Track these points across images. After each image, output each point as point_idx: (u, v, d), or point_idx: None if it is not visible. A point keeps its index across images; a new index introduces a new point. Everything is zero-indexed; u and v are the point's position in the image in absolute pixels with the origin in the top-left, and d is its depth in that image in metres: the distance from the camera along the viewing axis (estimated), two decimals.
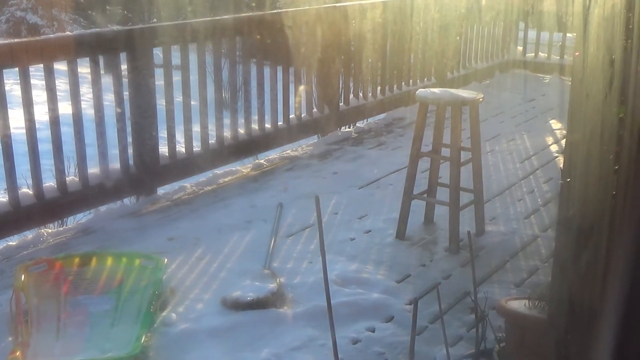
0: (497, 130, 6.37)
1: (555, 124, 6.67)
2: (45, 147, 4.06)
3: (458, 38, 7.74)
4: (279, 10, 6.10)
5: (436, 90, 4.12)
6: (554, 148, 5.93)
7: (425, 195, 4.21)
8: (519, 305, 2.61)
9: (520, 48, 8.99)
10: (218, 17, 5.50)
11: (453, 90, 4.12)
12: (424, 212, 4.29)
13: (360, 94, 6.55)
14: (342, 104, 6.35)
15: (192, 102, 4.83)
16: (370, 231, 4.20)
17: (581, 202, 1.79)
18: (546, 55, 8.70)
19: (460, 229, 3.95)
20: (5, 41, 4.23)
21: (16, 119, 3.96)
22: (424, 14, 7.19)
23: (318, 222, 1.72)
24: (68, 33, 4.34)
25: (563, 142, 5.89)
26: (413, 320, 1.68)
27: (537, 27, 8.97)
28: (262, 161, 5.58)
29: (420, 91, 4.03)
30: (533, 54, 8.83)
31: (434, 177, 4.19)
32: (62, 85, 4.18)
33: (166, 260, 3.57)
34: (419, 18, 7.14)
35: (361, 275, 3.60)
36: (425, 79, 7.39)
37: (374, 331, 3.12)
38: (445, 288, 3.51)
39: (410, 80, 7.19)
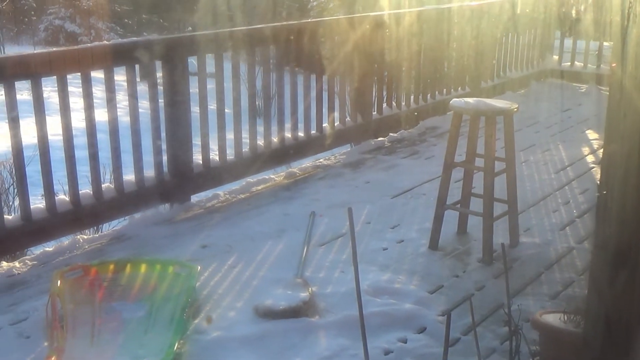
0: (532, 140, 6.31)
1: (591, 134, 6.59)
2: (81, 153, 4.12)
3: (493, 47, 7.69)
4: (313, 19, 6.13)
5: (470, 99, 4.09)
6: (590, 159, 5.85)
7: (459, 205, 4.18)
8: (554, 318, 2.57)
9: (556, 57, 8.89)
10: (252, 27, 5.53)
11: (487, 100, 4.08)
12: (457, 222, 4.26)
13: (394, 103, 6.54)
14: (375, 113, 6.34)
15: (226, 110, 4.86)
16: (402, 241, 4.18)
17: (619, 221, 1.76)
18: (582, 64, 8.60)
19: (494, 240, 3.91)
20: (44, 50, 4.29)
21: (53, 126, 4.02)
22: (459, 22, 7.16)
23: (351, 234, 1.72)
24: (105, 42, 4.40)
25: (599, 152, 5.82)
26: (446, 333, 1.66)
27: (574, 36, 8.88)
28: (295, 170, 5.59)
29: (454, 101, 4.01)
30: (569, 63, 8.74)
31: (467, 187, 4.16)
32: (98, 92, 4.23)
33: (199, 267, 3.60)
34: (454, 26, 7.12)
35: (393, 285, 3.59)
36: (460, 88, 7.35)
37: (406, 342, 3.10)
38: (479, 299, 3.48)
39: (444, 89, 7.16)
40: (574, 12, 8.83)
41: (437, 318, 3.29)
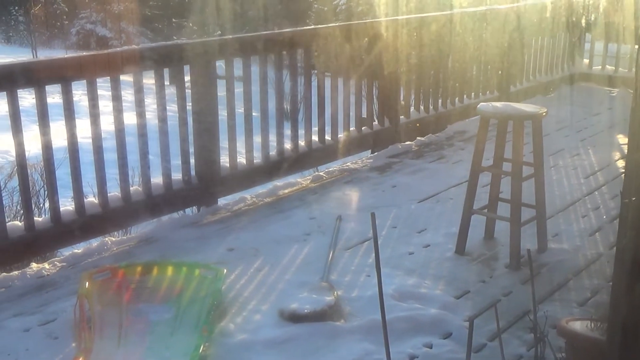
0: (561, 144, 6.25)
1: (622, 139, 6.50)
2: (110, 156, 4.16)
3: (522, 50, 7.63)
4: (341, 24, 6.14)
5: (498, 104, 4.07)
6: (620, 164, 5.77)
7: (486, 210, 4.15)
8: (580, 326, 2.54)
9: (586, 60, 8.80)
10: (280, 31, 5.56)
11: (515, 104, 4.06)
12: (484, 227, 4.23)
13: (422, 107, 6.52)
14: (402, 116, 6.33)
15: (253, 114, 4.88)
16: (429, 245, 4.16)
17: (636, 231, 1.73)
18: (613, 68, 8.50)
19: (522, 245, 3.88)
20: (75, 55, 4.35)
21: (84, 129, 4.07)
22: (487, 26, 7.11)
23: (374, 239, 1.72)
24: (134, 46, 4.44)
25: None
26: (469, 340, 1.65)
27: (604, 39, 8.77)
28: (321, 173, 5.60)
29: (482, 105, 3.98)
30: (600, 67, 8.64)
31: (494, 191, 4.13)
32: (128, 96, 4.28)
33: (225, 270, 3.61)
34: (483, 30, 7.08)
35: (419, 290, 3.57)
36: (488, 92, 7.31)
37: (431, 347, 3.09)
38: (505, 305, 3.45)
39: (473, 93, 7.13)
40: (604, 14, 8.71)
41: (463, 323, 3.26)
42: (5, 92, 3.65)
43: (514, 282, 3.71)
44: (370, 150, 6.48)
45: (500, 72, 7.36)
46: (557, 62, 8.42)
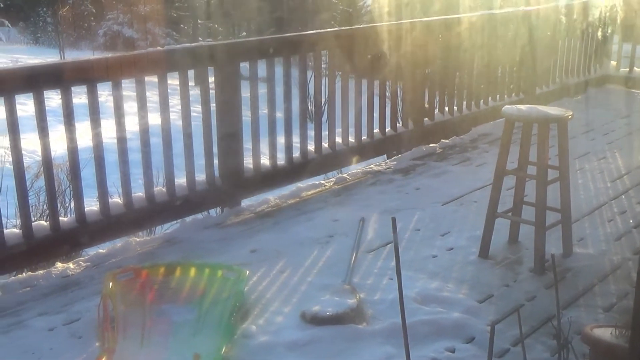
0: (587, 147, 6.18)
1: None
2: (135, 156, 4.19)
3: (549, 52, 7.56)
4: (365, 25, 6.13)
5: (523, 106, 4.03)
6: None
7: (510, 213, 4.12)
8: (604, 333, 2.51)
9: (614, 62, 8.71)
10: (304, 33, 5.56)
11: (540, 107, 4.01)
12: (508, 230, 4.19)
13: (446, 109, 6.49)
14: (426, 119, 6.30)
15: (277, 115, 4.89)
16: (452, 249, 4.14)
17: None
18: None
19: (547, 250, 3.84)
20: (101, 56, 4.39)
21: (108, 129, 4.10)
22: (513, 27, 7.06)
23: (395, 245, 1.71)
24: (159, 48, 4.48)
25: None
26: (490, 345, 1.64)
27: (633, 41, 8.67)
28: (345, 175, 5.59)
29: (507, 107, 3.95)
30: (628, 69, 8.54)
31: (519, 195, 4.09)
32: (152, 96, 4.30)
33: (248, 272, 3.62)
34: (508, 32, 7.03)
35: (442, 293, 3.55)
36: (514, 94, 7.25)
37: (453, 352, 3.06)
38: (529, 310, 3.42)
39: (498, 95, 7.08)
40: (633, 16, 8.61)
41: (486, 328, 3.24)
42: (32, 93, 3.69)
43: (538, 286, 3.68)
44: (394, 153, 6.47)
45: (526, 74, 7.30)
46: (585, 64, 8.34)
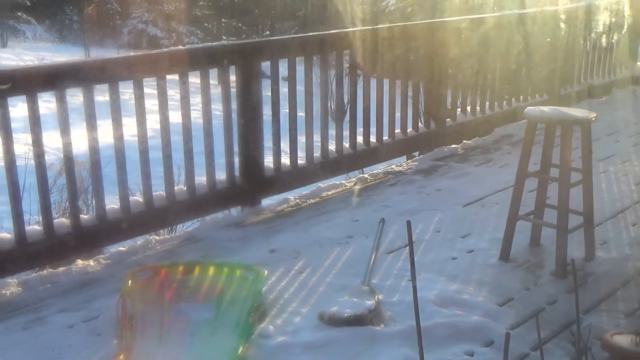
0: (611, 150, 6.10)
1: None
2: (156, 154, 4.21)
3: (573, 53, 7.48)
4: (388, 25, 6.10)
5: (546, 108, 3.98)
6: None
7: (532, 216, 4.07)
8: (624, 340, 2.47)
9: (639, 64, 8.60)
10: (326, 32, 5.55)
11: (563, 109, 3.97)
12: (530, 233, 4.15)
13: (468, 110, 6.44)
14: (448, 119, 6.26)
15: (298, 114, 4.88)
16: (473, 251, 4.10)
17: None
18: None
19: (568, 253, 3.79)
20: (123, 55, 4.41)
21: (130, 127, 4.12)
22: (538, 28, 6.99)
23: (409, 248, 1.69)
24: (180, 47, 4.49)
25: None
26: (505, 352, 1.62)
27: None
28: (366, 175, 5.57)
29: (529, 109, 3.91)
30: None
31: (541, 197, 4.05)
32: (174, 95, 4.31)
33: (266, 272, 3.62)
34: (532, 32, 6.96)
35: (461, 296, 3.52)
36: (537, 95, 7.18)
37: (472, 355, 3.03)
38: (550, 314, 3.38)
39: (521, 96, 7.01)
40: None
41: (505, 332, 3.19)
42: (54, 92, 3.71)
43: (559, 290, 3.63)
44: (416, 153, 6.44)
45: (549, 74, 7.22)
46: (610, 65, 8.24)
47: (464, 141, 6.39)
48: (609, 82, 8.21)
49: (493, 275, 3.80)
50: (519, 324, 3.27)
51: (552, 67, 7.21)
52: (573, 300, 3.45)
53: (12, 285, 3.70)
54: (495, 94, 6.70)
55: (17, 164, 3.69)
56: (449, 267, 3.88)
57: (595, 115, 3.81)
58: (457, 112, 6.34)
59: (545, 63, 7.15)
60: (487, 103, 6.64)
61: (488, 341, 3.13)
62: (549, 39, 7.10)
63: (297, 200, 4.98)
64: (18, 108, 3.65)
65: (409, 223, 1.53)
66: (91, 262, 3.99)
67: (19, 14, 25.21)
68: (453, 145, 6.26)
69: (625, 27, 8.24)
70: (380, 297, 3.45)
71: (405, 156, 6.47)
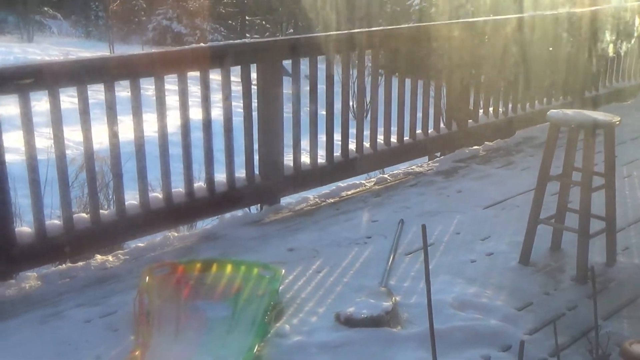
0: (636, 154, 6.02)
1: None
2: (176, 151, 4.21)
3: (598, 56, 7.40)
4: (412, 25, 6.07)
5: (569, 111, 3.94)
6: None
7: (553, 220, 4.02)
8: None
9: None
10: (348, 31, 5.53)
11: (587, 112, 3.91)
12: (550, 237, 4.10)
13: (491, 111, 6.39)
14: (470, 120, 6.21)
15: (319, 113, 4.86)
16: (492, 254, 4.06)
17: None
18: None
19: (590, 258, 3.74)
20: (146, 52, 4.43)
21: (151, 123, 4.13)
22: (562, 29, 6.92)
23: (424, 251, 1.67)
24: (202, 44, 4.49)
25: None
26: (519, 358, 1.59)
27: None
28: (386, 176, 5.55)
29: (552, 112, 3.86)
30: None
31: (563, 201, 4.00)
32: (194, 91, 4.31)
33: (284, 271, 3.61)
34: (557, 34, 6.89)
35: (480, 299, 3.48)
36: (561, 98, 7.11)
37: None
38: (570, 320, 3.33)
39: (545, 99, 6.95)
40: None
41: (523, 336, 3.16)
42: (75, 87, 3.73)
43: (579, 296, 3.59)
44: (437, 154, 6.40)
45: (574, 77, 7.14)
46: (637, 69, 8.13)
47: (485, 143, 6.34)
48: (636, 85, 8.11)
49: (512, 279, 3.76)
50: (537, 329, 3.23)
51: (576, 69, 7.13)
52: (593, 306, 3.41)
53: (31, 279, 3.73)
54: (518, 95, 6.64)
55: (42, 157, 3.72)
56: (468, 269, 3.85)
57: (619, 118, 3.76)
58: (479, 113, 6.29)
59: (570, 65, 7.08)
60: (510, 105, 6.58)
61: (506, 346, 3.09)
62: (573, 41, 7.01)
63: (317, 199, 4.97)
64: (43, 102, 3.68)
65: (423, 227, 1.51)
66: (110, 258, 4.01)
67: (46, 9, 25.46)
68: (474, 147, 6.21)
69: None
70: (397, 298, 3.43)
71: (426, 157, 6.44)
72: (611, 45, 7.56)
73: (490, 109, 6.38)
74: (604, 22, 7.33)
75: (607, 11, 7.48)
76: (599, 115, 3.85)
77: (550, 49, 6.80)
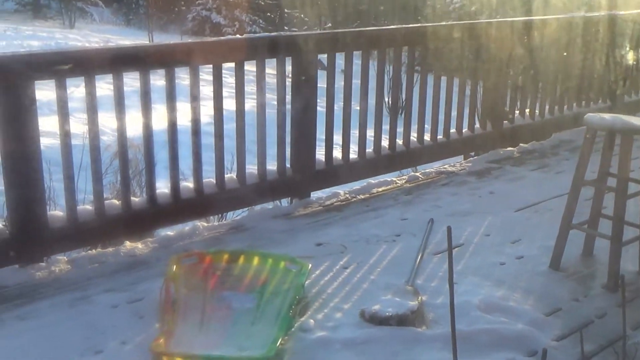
0: None
1: None
2: (209, 141, 4.23)
3: (638, 58, 7.27)
4: (450, 23, 6.03)
5: (606, 115, 3.87)
6: None
7: (586, 225, 3.96)
8: None
9: None
10: (384, 27, 5.50)
11: (625, 117, 3.84)
12: (583, 243, 4.04)
13: (527, 113, 6.31)
14: (506, 121, 6.14)
15: (353, 108, 4.85)
16: (522, 257, 4.02)
17: None
18: None
19: (622, 266, 3.68)
20: (182, 42, 4.45)
21: (185, 112, 4.15)
22: (601, 31, 6.80)
23: (449, 254, 1.65)
24: (238, 36, 4.51)
25: None
26: None
27: None
28: (418, 174, 5.51)
29: (589, 115, 3.80)
30: None
31: (597, 207, 3.93)
32: (228, 80, 4.32)
33: (310, 265, 3.61)
34: (598, 36, 6.77)
35: (507, 303, 3.44)
36: (600, 101, 7.00)
37: None
38: (598, 328, 3.28)
39: (583, 102, 6.84)
40: None
41: (550, 342, 3.12)
42: (111, 74, 3.77)
43: (610, 303, 3.52)
44: (471, 154, 6.34)
45: (614, 80, 7.02)
46: None
47: (520, 144, 6.27)
48: None
49: (541, 283, 3.71)
50: (565, 336, 3.18)
51: (616, 72, 7.00)
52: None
53: (61, 263, 3.78)
54: (556, 97, 6.55)
55: (77, 142, 3.76)
56: (497, 272, 3.81)
57: None
58: (516, 114, 6.22)
59: (609, 68, 6.95)
60: (547, 107, 6.49)
61: (531, 351, 3.05)
62: (613, 43, 6.89)
63: (347, 195, 4.96)
64: (81, 88, 3.72)
65: (449, 229, 1.49)
66: (139, 245, 4.04)
67: None
68: (509, 148, 6.15)
69: None
70: (423, 298, 3.41)
71: (460, 156, 6.38)
72: None
73: (527, 110, 6.30)
74: None
75: None
76: (637, 120, 3.77)
77: (587, 52, 6.68)
